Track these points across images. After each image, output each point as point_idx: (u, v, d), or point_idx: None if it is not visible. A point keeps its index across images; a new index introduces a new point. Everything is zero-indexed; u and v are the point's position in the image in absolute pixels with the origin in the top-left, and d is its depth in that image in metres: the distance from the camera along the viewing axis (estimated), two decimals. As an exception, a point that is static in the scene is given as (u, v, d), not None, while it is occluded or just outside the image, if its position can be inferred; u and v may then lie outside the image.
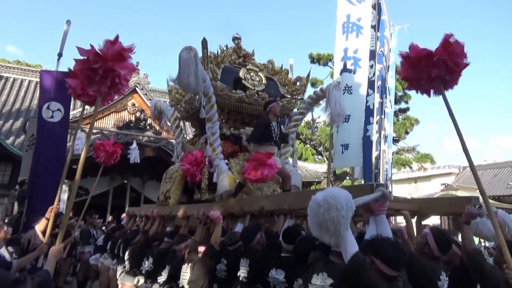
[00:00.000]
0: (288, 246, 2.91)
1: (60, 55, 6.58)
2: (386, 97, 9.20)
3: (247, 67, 6.01)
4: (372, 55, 8.27)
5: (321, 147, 19.67)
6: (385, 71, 8.93)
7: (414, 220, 3.37)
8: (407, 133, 19.22)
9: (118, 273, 5.17)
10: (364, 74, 7.70)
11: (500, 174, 24.25)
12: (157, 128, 16.79)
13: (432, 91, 2.52)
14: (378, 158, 8.51)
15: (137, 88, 17.55)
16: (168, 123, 6.59)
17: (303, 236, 2.86)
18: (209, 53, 5.45)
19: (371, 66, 8.31)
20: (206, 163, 5.07)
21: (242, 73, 5.83)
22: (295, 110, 6.22)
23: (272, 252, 3.08)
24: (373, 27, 8.36)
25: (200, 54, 5.03)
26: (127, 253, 4.95)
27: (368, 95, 8.27)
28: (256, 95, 5.65)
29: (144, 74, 18.26)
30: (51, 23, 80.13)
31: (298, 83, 6.28)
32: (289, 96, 6.16)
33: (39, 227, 4.36)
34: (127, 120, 15.80)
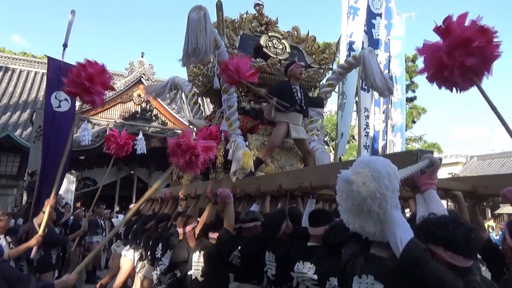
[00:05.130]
0: (316, 230, 2.40)
1: (65, 45, 6.54)
2: (393, 86, 9.13)
3: (269, 34, 5.42)
4: (377, 43, 8.18)
5: (327, 137, 19.61)
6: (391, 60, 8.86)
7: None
8: (414, 122, 19.12)
9: (135, 260, 4.87)
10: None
11: (508, 163, 24.01)
12: (163, 118, 16.88)
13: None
14: (384, 147, 8.48)
15: (142, 79, 17.57)
16: (185, 99, 6.16)
17: (335, 222, 2.28)
18: (225, 18, 4.88)
19: (377, 55, 8.23)
20: (222, 139, 4.59)
21: (263, 40, 5.25)
22: (324, 81, 5.55)
23: (297, 241, 2.55)
24: (379, 15, 8.26)
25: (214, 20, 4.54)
26: (142, 241, 4.63)
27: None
28: (279, 64, 5.03)
29: (149, 65, 18.26)
30: (56, 13, 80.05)
31: (327, 52, 5.63)
32: (316, 66, 5.50)
33: (36, 220, 4.33)
34: (133, 111, 15.88)
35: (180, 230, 3.61)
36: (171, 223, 4.19)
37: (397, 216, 1.47)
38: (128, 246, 5.09)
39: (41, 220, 4.19)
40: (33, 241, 3.84)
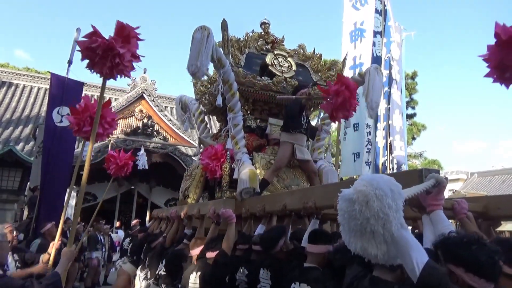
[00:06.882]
0: (314, 247, 2.31)
1: (70, 62, 6.66)
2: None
3: (275, 52, 5.42)
4: (379, 60, 8.29)
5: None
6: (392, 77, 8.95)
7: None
8: (414, 138, 19.18)
9: (140, 278, 4.76)
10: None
11: (508, 180, 23.97)
12: (164, 134, 16.94)
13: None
14: (385, 164, 8.49)
15: (144, 95, 17.70)
16: (193, 117, 6.11)
17: (342, 245, 2.13)
18: (230, 37, 4.88)
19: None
20: (227, 157, 4.57)
21: (269, 58, 5.26)
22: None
23: (293, 261, 2.46)
24: (379, 33, 8.39)
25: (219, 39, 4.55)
26: (147, 260, 4.58)
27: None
28: (284, 82, 5.03)
29: (151, 81, 18.42)
30: (60, 28, 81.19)
31: (333, 69, 5.59)
32: (323, 84, 5.40)
33: (43, 258, 3.83)
34: (134, 127, 15.94)
35: (191, 253, 3.50)
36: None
37: (409, 237, 1.38)
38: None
39: (47, 259, 3.66)
40: (38, 268, 3.60)
